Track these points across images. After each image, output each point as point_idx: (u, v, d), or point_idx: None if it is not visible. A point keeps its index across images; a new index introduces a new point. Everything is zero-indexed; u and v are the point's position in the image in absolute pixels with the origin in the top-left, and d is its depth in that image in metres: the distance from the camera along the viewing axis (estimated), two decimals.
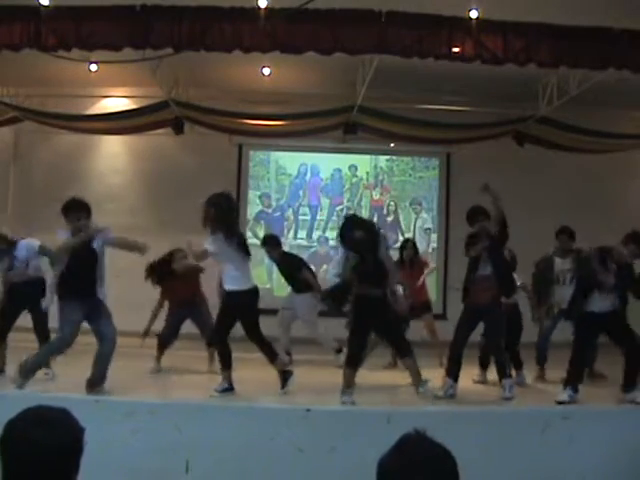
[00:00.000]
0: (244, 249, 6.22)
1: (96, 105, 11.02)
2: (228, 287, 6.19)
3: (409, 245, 8.59)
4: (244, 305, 6.20)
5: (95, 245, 5.82)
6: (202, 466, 4.84)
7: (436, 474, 1.66)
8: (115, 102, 10.96)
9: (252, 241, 11.52)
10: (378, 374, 7.44)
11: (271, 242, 8.60)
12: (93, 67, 9.17)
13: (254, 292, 6.25)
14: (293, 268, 8.46)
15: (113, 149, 11.38)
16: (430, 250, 11.41)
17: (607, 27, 7.14)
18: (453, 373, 6.26)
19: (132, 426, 4.91)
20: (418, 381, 6.05)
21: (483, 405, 6.16)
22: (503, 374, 6.20)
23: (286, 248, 11.48)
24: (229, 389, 6.12)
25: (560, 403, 5.84)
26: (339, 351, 7.92)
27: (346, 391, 5.80)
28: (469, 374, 7.02)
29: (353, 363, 5.89)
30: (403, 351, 6.15)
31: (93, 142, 11.22)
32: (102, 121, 10.24)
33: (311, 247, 11.57)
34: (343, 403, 5.72)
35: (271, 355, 6.30)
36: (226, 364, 6.19)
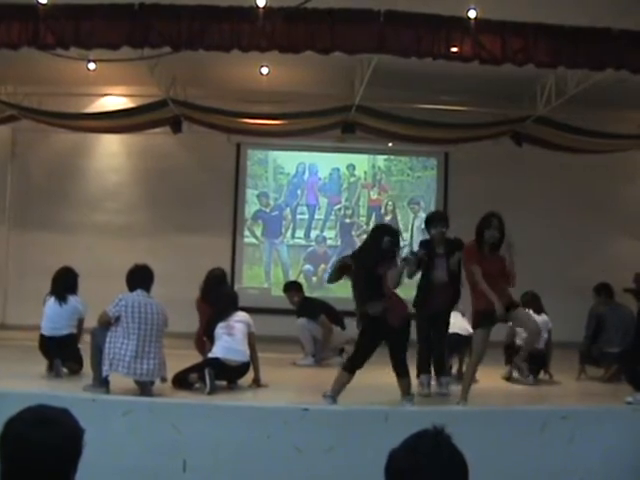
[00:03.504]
0: None
1: (94, 104, 11.01)
2: None
3: None
4: None
5: None
6: (200, 465, 4.83)
7: (446, 476, 1.64)
8: (113, 101, 10.94)
9: (249, 240, 11.56)
10: (376, 374, 7.43)
11: (292, 287, 8.72)
12: (91, 66, 9.14)
13: None
14: (309, 316, 8.44)
15: (111, 148, 11.37)
16: None
17: (606, 27, 7.13)
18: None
19: (130, 425, 4.90)
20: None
21: (481, 405, 6.16)
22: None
23: (284, 247, 11.53)
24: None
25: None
26: (342, 351, 8.22)
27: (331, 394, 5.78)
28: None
29: (350, 369, 5.90)
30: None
31: (91, 141, 11.20)
32: (100, 120, 10.22)
33: (309, 246, 11.57)
34: (324, 396, 5.75)
35: None
36: None
